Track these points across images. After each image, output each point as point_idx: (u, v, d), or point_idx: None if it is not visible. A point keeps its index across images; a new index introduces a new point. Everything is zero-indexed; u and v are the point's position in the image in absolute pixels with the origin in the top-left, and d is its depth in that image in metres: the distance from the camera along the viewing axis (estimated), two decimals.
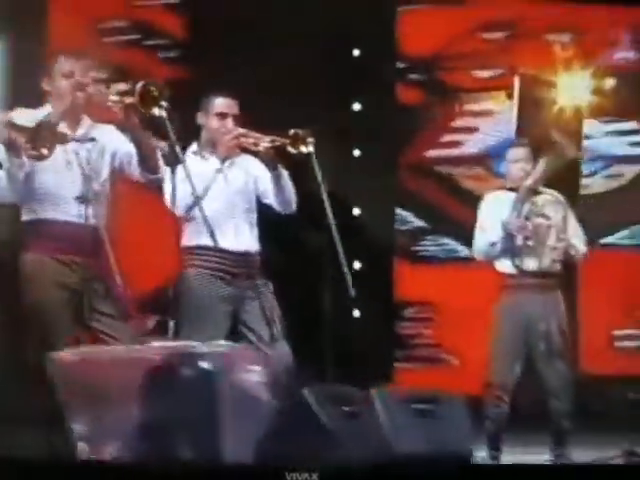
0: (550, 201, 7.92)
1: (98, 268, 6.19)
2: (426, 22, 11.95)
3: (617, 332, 11.29)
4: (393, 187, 11.86)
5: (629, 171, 11.87)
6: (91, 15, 11.19)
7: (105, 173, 6.28)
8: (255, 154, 6.92)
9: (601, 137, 11.90)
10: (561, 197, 8.03)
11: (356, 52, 11.82)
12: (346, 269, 6.68)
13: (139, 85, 6.00)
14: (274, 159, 6.81)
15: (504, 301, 7.81)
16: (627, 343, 11.47)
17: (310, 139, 6.84)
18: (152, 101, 5.98)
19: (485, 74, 11.88)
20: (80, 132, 6.23)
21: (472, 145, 11.91)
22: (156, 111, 5.94)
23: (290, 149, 6.76)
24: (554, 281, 7.86)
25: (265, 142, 6.80)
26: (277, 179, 6.83)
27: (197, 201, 6.53)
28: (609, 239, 11.57)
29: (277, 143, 6.78)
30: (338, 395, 5.55)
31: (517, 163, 7.90)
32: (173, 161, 6.14)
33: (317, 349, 10.15)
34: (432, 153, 12.04)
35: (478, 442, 6.79)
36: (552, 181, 8.34)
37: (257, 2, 11.10)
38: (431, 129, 12.03)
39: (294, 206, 6.97)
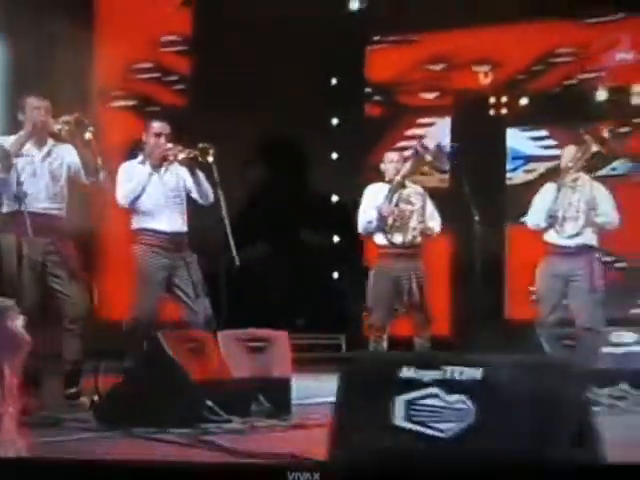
0: (414, 192, 7.80)
1: (56, 245, 6.47)
2: (386, 58, 12.08)
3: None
4: (361, 182, 11.49)
5: (541, 167, 11.63)
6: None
7: (63, 179, 6.57)
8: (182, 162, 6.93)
9: (521, 141, 11.80)
10: (421, 189, 7.91)
11: (334, 81, 12.08)
12: (233, 246, 6.66)
13: (74, 116, 6.35)
14: (192, 166, 6.86)
15: (379, 264, 7.81)
16: None
17: (212, 151, 6.79)
18: (84, 128, 6.31)
19: (429, 95, 11.96)
20: (45, 150, 6.53)
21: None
22: (87, 135, 6.27)
23: (200, 159, 6.78)
24: (415, 251, 7.76)
25: (183, 154, 6.85)
26: (196, 180, 6.88)
27: (138, 196, 6.81)
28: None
29: (191, 155, 6.81)
30: (187, 337, 5.74)
31: (391, 163, 7.83)
32: (93, 173, 6.41)
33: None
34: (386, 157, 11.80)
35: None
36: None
37: (257, 45, 11.09)
38: (390, 137, 11.98)
39: (211, 199, 6.92)
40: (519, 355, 3.55)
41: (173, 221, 6.95)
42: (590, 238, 7.62)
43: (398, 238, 7.71)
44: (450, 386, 3.33)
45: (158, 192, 6.92)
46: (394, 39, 12.10)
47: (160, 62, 11.97)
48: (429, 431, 3.35)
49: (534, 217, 7.77)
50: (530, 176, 11.73)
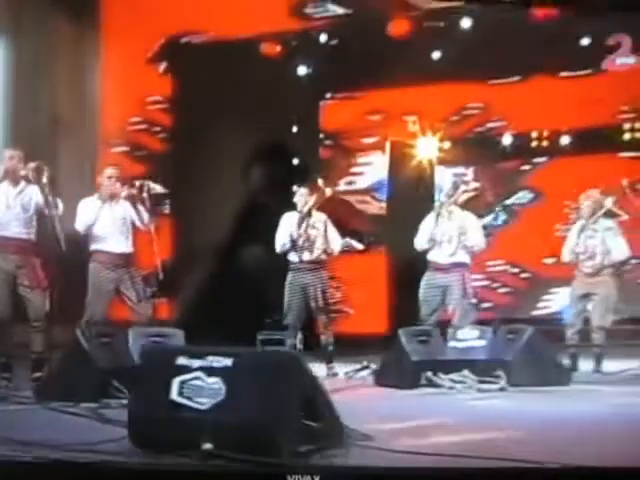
0: (318, 220, 7.85)
1: (25, 260, 6.64)
2: (335, 110, 12.07)
3: None
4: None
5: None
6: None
7: (31, 211, 6.68)
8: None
9: (445, 176, 11.31)
10: (324, 217, 7.89)
11: (295, 129, 11.97)
12: None
13: (36, 164, 6.56)
14: (134, 200, 6.98)
15: (291, 276, 7.84)
16: None
17: (146, 187, 6.95)
18: (42, 172, 6.51)
19: (369, 140, 11.93)
20: (18, 188, 6.69)
21: (361, 183, 11.97)
22: (44, 179, 6.49)
23: (138, 195, 6.94)
24: (320, 265, 7.83)
25: (125, 191, 7.01)
26: (136, 210, 7.00)
27: (92, 224, 6.98)
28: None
29: (133, 191, 6.95)
30: (101, 331, 5.99)
31: (301, 197, 7.89)
32: (52, 208, 6.51)
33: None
34: (339, 188, 11.75)
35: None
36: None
37: (228, 102, 11.03)
38: (338, 174, 12.02)
39: (152, 227, 7.05)
40: (260, 349, 3.85)
41: (120, 244, 7.08)
42: (463, 257, 7.82)
43: (306, 256, 7.84)
44: (210, 371, 3.63)
45: (108, 221, 7.06)
46: (342, 96, 12.06)
47: (147, 117, 12.17)
48: (194, 404, 3.64)
49: (418, 240, 7.93)
50: None
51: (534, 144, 11.37)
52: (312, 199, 7.92)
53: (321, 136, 12.16)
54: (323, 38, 11.45)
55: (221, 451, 3.47)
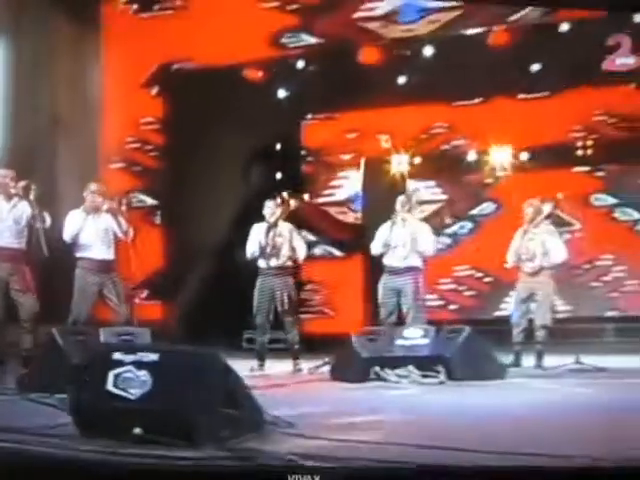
0: (284, 229, 7.93)
1: (16, 268, 6.87)
2: (316, 129, 12.20)
3: None
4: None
5: (431, 208, 11.64)
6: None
7: (24, 223, 6.87)
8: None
9: (417, 189, 11.45)
10: (290, 227, 7.95)
11: (278, 146, 12.15)
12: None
13: (24, 183, 6.77)
14: (115, 213, 7.18)
15: (260, 280, 7.87)
16: None
17: (125, 201, 7.23)
18: (29, 190, 6.74)
19: (346, 156, 12.02)
20: (11, 203, 6.91)
21: (340, 195, 12.06)
22: (31, 196, 6.71)
23: (118, 208, 7.18)
24: (286, 271, 7.93)
25: (106, 205, 7.20)
26: (117, 222, 7.19)
27: (77, 234, 7.18)
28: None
29: (113, 204, 7.18)
30: (76, 331, 6.11)
31: (269, 209, 7.97)
32: (41, 221, 6.71)
33: None
34: (319, 200, 12.15)
35: None
36: None
37: (217, 122, 11.16)
38: (319, 187, 12.17)
39: (129, 235, 7.20)
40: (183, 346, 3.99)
41: (103, 252, 7.26)
42: (415, 261, 7.85)
43: (273, 262, 7.93)
44: (140, 365, 3.77)
45: (92, 231, 7.24)
46: (321, 116, 12.17)
47: (141, 136, 12.38)
48: (126, 394, 3.77)
49: (374, 245, 7.99)
50: (424, 214, 11.25)
51: (495, 160, 11.36)
52: (279, 211, 8.00)
53: (303, 153, 12.30)
54: (300, 65, 11.65)
55: (149, 435, 3.56)
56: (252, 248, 7.96)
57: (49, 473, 3.23)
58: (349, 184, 12.01)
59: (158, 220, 12.05)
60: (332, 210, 12.04)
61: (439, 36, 11.11)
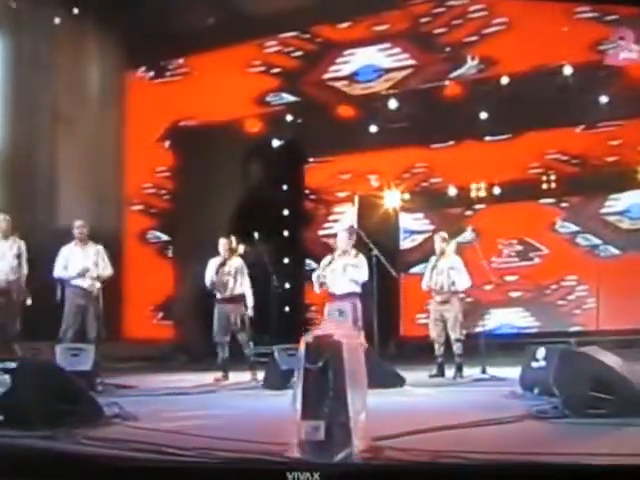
0: (233, 265, 8.67)
1: (8, 295, 7.81)
2: (317, 171, 13.11)
3: None
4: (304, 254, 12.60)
5: (420, 237, 12.41)
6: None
7: (18, 260, 7.85)
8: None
9: (407, 221, 12.63)
10: (240, 263, 8.65)
11: (285, 187, 13.01)
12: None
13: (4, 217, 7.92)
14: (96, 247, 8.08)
15: (218, 306, 8.71)
16: None
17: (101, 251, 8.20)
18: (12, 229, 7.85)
19: (341, 194, 12.91)
20: (9, 242, 7.90)
21: (336, 229, 12.17)
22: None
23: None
24: (237, 299, 8.66)
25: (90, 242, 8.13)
26: (102, 254, 8.15)
27: (66, 266, 8.02)
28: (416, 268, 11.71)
29: (98, 247, 8.18)
30: (32, 345, 7.19)
31: (223, 245, 8.68)
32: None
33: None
34: (318, 233, 12.96)
35: None
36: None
37: (227, 166, 12.16)
38: (318, 222, 13.05)
39: (108, 271, 8.12)
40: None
41: (88, 281, 8.18)
42: (354, 288, 8.33)
43: (224, 293, 8.81)
44: (5, 370, 4.88)
45: (79, 262, 8.16)
46: (320, 160, 13.11)
47: (156, 183, 13.78)
48: None
49: (314, 275, 8.41)
50: (414, 244, 12.70)
51: (471, 194, 12.31)
52: (227, 252, 8.87)
53: (305, 192, 13.23)
54: (289, 118, 12.78)
55: (10, 423, 4.73)
56: (208, 282, 8.85)
57: None
58: (345, 218, 12.82)
59: (170, 253, 13.30)
60: (330, 241, 12.51)
61: (400, 90, 12.06)
